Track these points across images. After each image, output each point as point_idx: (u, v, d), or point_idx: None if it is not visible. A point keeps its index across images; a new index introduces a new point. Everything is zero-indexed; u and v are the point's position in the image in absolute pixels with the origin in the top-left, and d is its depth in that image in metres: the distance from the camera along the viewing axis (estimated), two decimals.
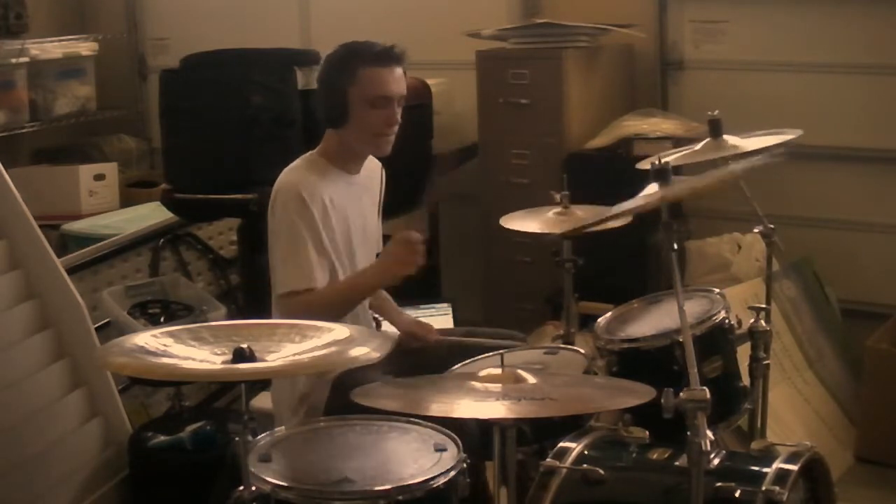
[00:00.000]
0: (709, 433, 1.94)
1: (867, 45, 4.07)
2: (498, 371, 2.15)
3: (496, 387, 2.08)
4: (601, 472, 2.16)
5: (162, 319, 3.71)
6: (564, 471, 2.22)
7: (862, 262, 4.20)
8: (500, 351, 2.46)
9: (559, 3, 4.56)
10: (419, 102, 4.28)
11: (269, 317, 2.78)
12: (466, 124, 4.53)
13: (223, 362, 1.94)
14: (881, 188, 4.16)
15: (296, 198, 2.75)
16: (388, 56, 2.81)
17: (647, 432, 2.30)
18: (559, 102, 4.19)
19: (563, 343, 3.04)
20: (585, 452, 2.26)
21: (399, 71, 2.84)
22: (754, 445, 2.31)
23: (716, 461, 2.18)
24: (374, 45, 2.83)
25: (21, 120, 5.11)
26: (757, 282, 3.62)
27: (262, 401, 3.11)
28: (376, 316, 3.15)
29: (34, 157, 5.39)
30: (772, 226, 3.06)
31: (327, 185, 2.83)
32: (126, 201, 5.13)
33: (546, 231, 3.03)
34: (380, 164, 3.04)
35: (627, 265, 3.90)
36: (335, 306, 2.73)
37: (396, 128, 2.86)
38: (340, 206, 2.84)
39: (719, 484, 2.07)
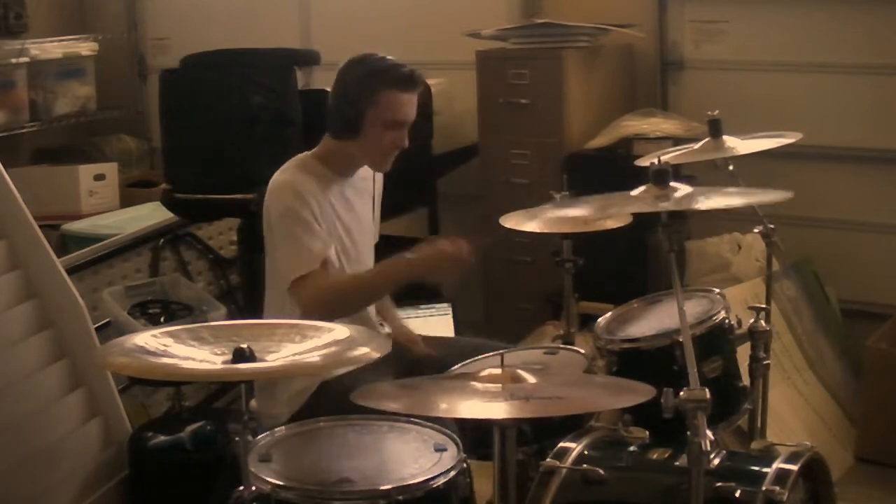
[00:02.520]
0: (709, 433, 1.94)
1: (868, 45, 4.06)
2: (498, 371, 2.15)
3: (496, 387, 2.08)
4: (601, 472, 2.16)
5: (162, 319, 3.71)
6: (564, 471, 2.21)
7: (862, 262, 4.20)
8: (500, 351, 2.45)
9: (559, 3, 4.56)
10: (419, 102, 4.27)
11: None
12: (466, 124, 4.53)
13: (223, 362, 1.94)
14: (881, 188, 4.16)
15: (291, 192, 2.74)
16: (410, 82, 2.81)
17: (647, 432, 2.30)
18: (559, 102, 4.19)
19: (563, 343, 3.04)
20: (585, 452, 2.26)
21: (416, 96, 2.85)
22: (754, 445, 2.31)
23: (716, 461, 2.17)
24: (398, 67, 2.81)
25: (21, 120, 5.12)
26: (757, 282, 3.62)
27: None
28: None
29: (34, 157, 5.40)
30: (772, 226, 3.05)
31: (320, 189, 2.81)
32: (126, 201, 5.14)
33: (546, 230, 3.03)
34: None
35: (627, 265, 3.90)
36: (350, 296, 2.73)
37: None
38: (333, 211, 2.83)
39: (719, 484, 2.07)
